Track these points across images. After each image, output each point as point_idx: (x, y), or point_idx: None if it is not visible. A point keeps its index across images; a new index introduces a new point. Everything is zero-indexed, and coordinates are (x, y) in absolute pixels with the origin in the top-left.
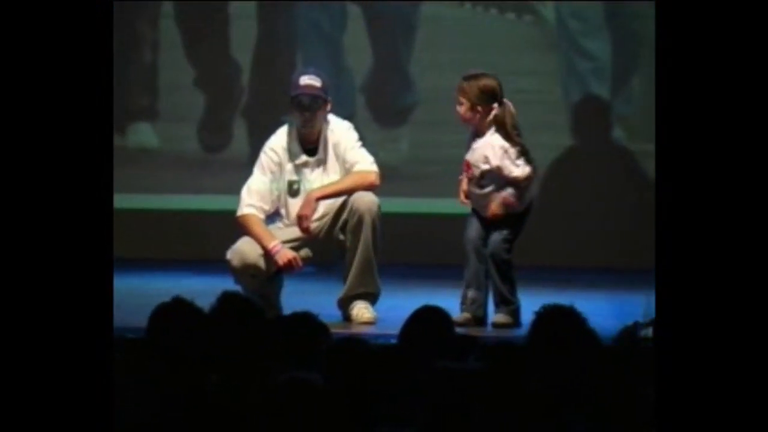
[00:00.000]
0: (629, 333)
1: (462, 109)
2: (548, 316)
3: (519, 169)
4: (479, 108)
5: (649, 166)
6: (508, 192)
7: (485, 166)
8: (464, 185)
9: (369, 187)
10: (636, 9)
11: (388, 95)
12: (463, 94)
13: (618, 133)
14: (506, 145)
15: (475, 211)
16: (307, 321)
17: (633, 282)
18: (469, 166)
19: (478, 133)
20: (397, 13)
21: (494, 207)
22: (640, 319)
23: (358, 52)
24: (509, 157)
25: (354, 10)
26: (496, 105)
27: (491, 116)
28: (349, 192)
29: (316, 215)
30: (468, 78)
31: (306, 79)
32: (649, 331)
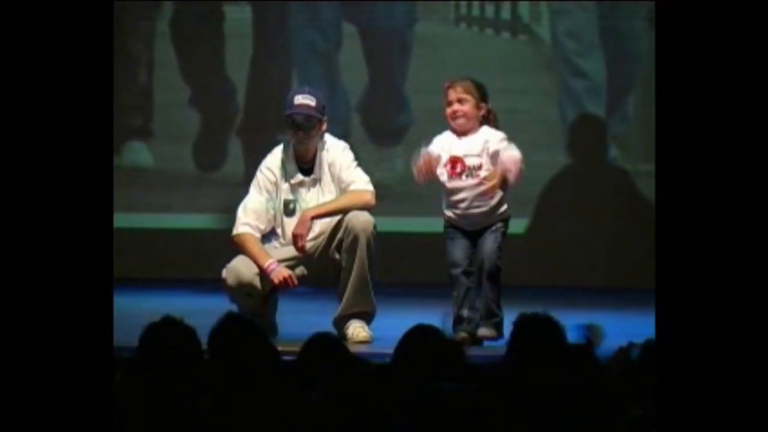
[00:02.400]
0: (623, 353)
1: (467, 106)
2: (526, 325)
3: (513, 154)
4: (482, 105)
5: (645, 186)
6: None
7: (483, 156)
8: (430, 161)
9: (364, 207)
10: (631, 28)
11: (383, 114)
12: (468, 91)
13: (613, 152)
14: (504, 135)
15: (456, 231)
16: (326, 342)
17: (627, 301)
18: (457, 160)
19: (465, 132)
20: (392, 32)
21: (492, 179)
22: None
23: (353, 71)
24: (507, 143)
25: (349, 29)
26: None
27: (486, 111)
28: (345, 211)
29: (312, 234)
30: (465, 79)
31: (300, 98)
32: (640, 352)
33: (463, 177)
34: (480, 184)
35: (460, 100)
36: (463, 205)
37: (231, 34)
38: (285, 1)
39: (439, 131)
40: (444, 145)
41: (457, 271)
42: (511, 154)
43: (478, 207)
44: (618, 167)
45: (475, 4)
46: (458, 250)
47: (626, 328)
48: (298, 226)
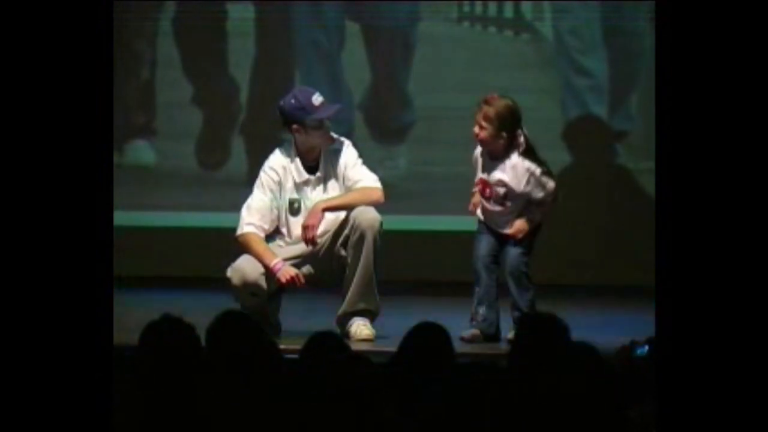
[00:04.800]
0: (626, 351)
1: (483, 133)
2: (529, 324)
3: (545, 190)
4: (503, 134)
5: (648, 183)
6: (535, 214)
7: (510, 189)
8: (476, 198)
9: (374, 203)
10: (633, 27)
11: (387, 113)
12: (488, 119)
13: (616, 150)
14: (531, 166)
15: (486, 228)
16: (328, 340)
17: (633, 299)
18: (486, 185)
19: (495, 155)
20: (395, 31)
21: (517, 230)
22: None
23: (357, 69)
24: (535, 179)
25: (352, 28)
26: (519, 131)
27: (519, 142)
28: (355, 206)
29: (317, 232)
30: (490, 102)
31: (319, 98)
32: (644, 350)
33: (491, 202)
34: (506, 210)
35: (479, 125)
36: (491, 219)
37: (234, 33)
38: (288, 0)
39: (442, 129)
40: (479, 159)
41: (478, 265)
42: (540, 197)
43: (505, 223)
44: (621, 165)
45: (478, 2)
46: (483, 244)
47: (630, 326)
48: (309, 216)
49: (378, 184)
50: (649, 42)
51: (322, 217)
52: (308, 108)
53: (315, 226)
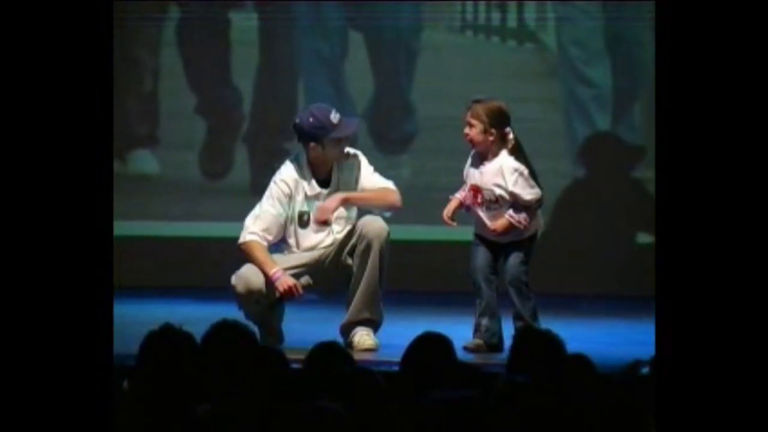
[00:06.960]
0: (631, 370)
1: (473, 131)
2: (524, 339)
3: (532, 192)
4: (492, 131)
5: (652, 193)
6: (520, 215)
7: (499, 191)
8: (452, 206)
9: (392, 206)
10: (637, 36)
11: (390, 122)
12: (476, 116)
13: (620, 159)
14: (520, 167)
15: (481, 239)
16: (331, 350)
17: (636, 310)
18: (477, 190)
19: (485, 156)
20: (398, 40)
21: (500, 225)
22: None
23: (360, 79)
24: (524, 180)
25: (355, 37)
26: (508, 129)
27: (509, 139)
28: (374, 205)
29: (325, 243)
30: (479, 101)
31: (337, 116)
32: (649, 369)
33: (483, 208)
34: (499, 214)
35: (469, 124)
36: (484, 228)
37: (237, 42)
38: (291, 9)
39: (446, 139)
40: (470, 166)
41: (478, 277)
42: (526, 200)
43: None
44: (624, 174)
45: (482, 12)
46: (481, 256)
47: (633, 337)
48: (328, 201)
49: (395, 188)
50: (652, 51)
51: (339, 205)
52: (328, 126)
53: (330, 210)
